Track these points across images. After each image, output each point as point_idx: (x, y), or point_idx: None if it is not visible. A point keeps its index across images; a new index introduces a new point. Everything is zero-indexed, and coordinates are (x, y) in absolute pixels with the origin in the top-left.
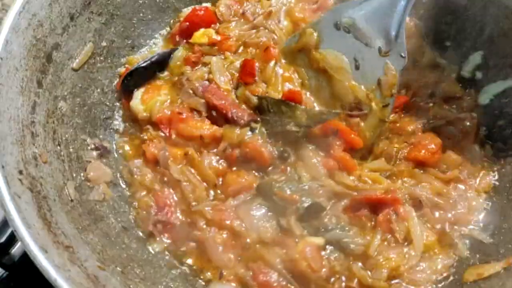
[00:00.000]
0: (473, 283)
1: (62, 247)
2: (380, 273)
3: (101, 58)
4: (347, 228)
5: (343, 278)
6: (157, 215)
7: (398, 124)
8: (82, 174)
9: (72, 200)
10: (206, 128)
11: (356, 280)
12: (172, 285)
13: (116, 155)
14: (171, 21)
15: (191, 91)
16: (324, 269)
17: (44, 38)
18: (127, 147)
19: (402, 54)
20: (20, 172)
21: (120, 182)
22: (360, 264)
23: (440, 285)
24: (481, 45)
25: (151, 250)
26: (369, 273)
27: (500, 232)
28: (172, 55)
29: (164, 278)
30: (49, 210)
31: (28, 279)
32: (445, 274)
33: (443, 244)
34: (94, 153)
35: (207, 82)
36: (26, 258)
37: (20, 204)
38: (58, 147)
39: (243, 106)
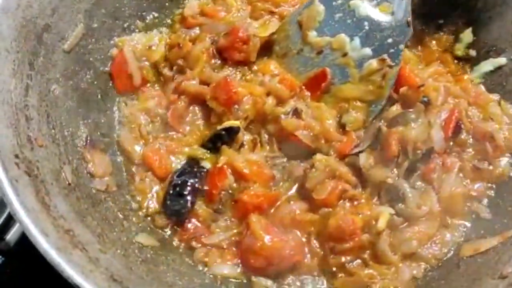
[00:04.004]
0: (470, 257)
1: (63, 230)
2: (409, 245)
3: (93, 39)
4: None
5: None
6: None
7: None
8: (77, 158)
9: (69, 184)
10: None
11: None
12: (173, 266)
13: (111, 139)
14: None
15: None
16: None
17: (34, 19)
18: (122, 131)
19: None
20: (16, 156)
21: (117, 166)
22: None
23: (439, 261)
24: (472, 21)
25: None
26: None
27: (495, 208)
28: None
29: (165, 259)
30: (47, 194)
31: (24, 265)
32: (445, 250)
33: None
34: (86, 141)
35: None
36: (21, 245)
37: (18, 188)
38: (53, 131)
39: None
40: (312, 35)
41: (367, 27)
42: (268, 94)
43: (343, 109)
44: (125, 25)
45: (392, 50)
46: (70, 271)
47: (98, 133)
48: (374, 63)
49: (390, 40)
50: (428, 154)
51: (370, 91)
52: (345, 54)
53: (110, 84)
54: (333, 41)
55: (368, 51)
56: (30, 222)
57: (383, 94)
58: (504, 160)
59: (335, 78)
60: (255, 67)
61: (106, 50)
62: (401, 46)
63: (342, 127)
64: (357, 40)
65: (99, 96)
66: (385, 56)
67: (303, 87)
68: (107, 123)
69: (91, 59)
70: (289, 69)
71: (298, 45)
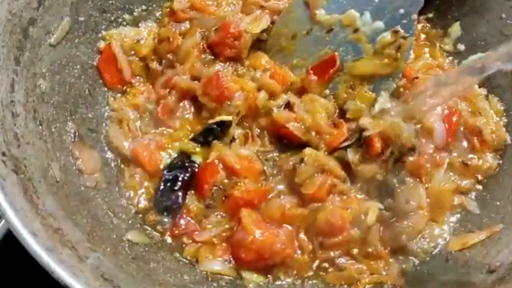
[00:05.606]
0: (458, 252)
1: (52, 229)
2: (398, 240)
3: (79, 33)
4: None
5: None
6: None
7: None
8: (66, 154)
9: (58, 181)
10: None
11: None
12: (164, 264)
13: (100, 135)
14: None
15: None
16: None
17: (20, 12)
18: (111, 126)
19: None
20: (3, 154)
21: (107, 163)
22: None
23: (428, 255)
24: (461, 16)
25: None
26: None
27: (483, 203)
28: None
29: (156, 256)
30: (35, 192)
31: (10, 263)
32: (434, 244)
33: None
34: (74, 137)
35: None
36: (7, 243)
37: (6, 187)
38: (40, 127)
39: None
40: (321, 13)
41: (376, 0)
42: (259, 89)
43: (351, 97)
44: (113, 18)
45: (404, 21)
46: (60, 272)
47: (86, 128)
48: (387, 36)
49: (401, 11)
50: (413, 149)
51: (385, 65)
52: (356, 30)
53: (98, 79)
54: (343, 18)
55: (380, 24)
56: (18, 223)
57: (399, 67)
58: (491, 155)
59: (348, 55)
60: (247, 62)
61: (93, 44)
62: (414, 16)
63: (342, 116)
64: (367, 14)
65: (86, 91)
66: (398, 27)
67: (311, 71)
68: (95, 118)
69: (78, 53)
70: (300, 50)
71: (307, 25)
